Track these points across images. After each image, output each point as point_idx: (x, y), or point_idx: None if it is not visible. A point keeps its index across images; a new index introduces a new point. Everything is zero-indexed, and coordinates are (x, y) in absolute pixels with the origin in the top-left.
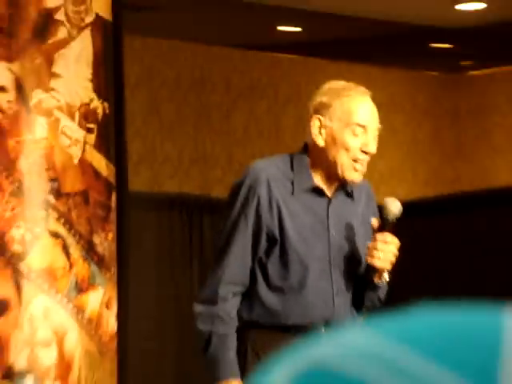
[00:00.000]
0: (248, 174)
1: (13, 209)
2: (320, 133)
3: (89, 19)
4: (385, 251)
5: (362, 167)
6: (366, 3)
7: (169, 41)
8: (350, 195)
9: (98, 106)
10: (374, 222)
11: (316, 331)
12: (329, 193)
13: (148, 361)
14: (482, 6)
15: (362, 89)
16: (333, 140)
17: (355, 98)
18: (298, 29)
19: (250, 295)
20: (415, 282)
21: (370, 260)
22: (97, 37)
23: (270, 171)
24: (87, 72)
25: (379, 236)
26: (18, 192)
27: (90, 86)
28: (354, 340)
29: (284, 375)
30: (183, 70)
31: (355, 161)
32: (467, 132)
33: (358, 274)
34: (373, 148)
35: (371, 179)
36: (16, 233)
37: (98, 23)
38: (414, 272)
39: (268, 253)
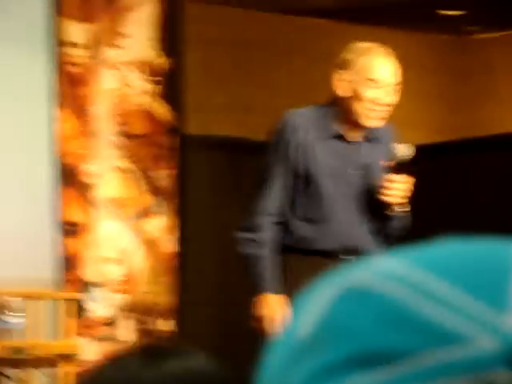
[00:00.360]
0: (282, 123)
1: (87, 147)
2: (343, 86)
3: None
4: (394, 188)
5: (378, 115)
6: None
7: (221, 6)
8: (374, 140)
9: (161, 61)
10: (385, 162)
11: (341, 256)
12: (353, 138)
13: (202, 276)
14: None
15: (383, 48)
16: (353, 92)
17: (374, 56)
18: None
19: (286, 224)
20: (427, 217)
21: (381, 196)
22: (161, 2)
23: (301, 120)
24: (152, 32)
25: (388, 176)
26: (92, 133)
27: (155, 44)
28: (385, 266)
29: (323, 298)
30: (233, 31)
31: (369, 110)
32: (471, 87)
33: (378, 207)
34: (388, 100)
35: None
36: (90, 168)
37: None
38: (426, 208)
39: (300, 189)
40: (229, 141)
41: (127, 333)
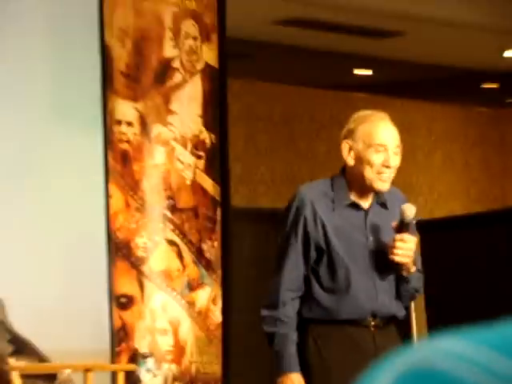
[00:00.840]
0: (295, 198)
1: (137, 221)
2: (349, 154)
3: (199, 66)
4: (403, 248)
5: (386, 178)
6: (426, 50)
7: (263, 83)
8: (384, 206)
9: (206, 136)
10: (393, 224)
11: (370, 323)
12: (365, 206)
13: (248, 347)
14: None
15: (381, 114)
16: (359, 159)
17: (375, 123)
18: (370, 72)
19: (307, 297)
20: (467, 285)
21: (391, 256)
22: (205, 80)
23: (312, 193)
24: (198, 109)
25: (398, 236)
26: (141, 208)
27: (199, 120)
28: (445, 345)
29: (385, 379)
30: (275, 106)
31: (379, 174)
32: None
33: (395, 270)
34: (393, 162)
35: (431, 197)
36: (139, 241)
37: (207, 70)
38: (473, 274)
39: (318, 261)
40: (272, 212)
41: None
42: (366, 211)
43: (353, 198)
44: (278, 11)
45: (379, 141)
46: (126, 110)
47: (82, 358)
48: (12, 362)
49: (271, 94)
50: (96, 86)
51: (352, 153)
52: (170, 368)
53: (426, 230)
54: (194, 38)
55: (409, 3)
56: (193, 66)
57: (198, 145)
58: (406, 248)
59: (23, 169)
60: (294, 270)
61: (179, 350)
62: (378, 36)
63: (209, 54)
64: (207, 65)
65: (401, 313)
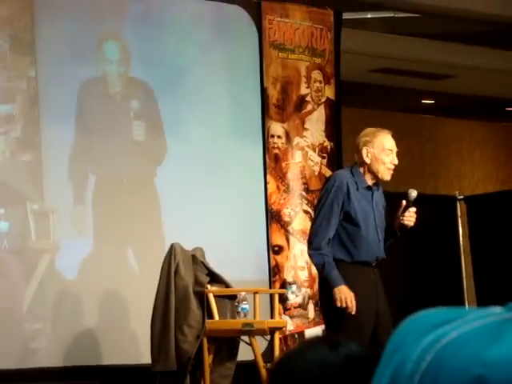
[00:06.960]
0: (335, 179)
1: (284, 198)
2: (367, 156)
3: (323, 99)
4: (412, 217)
5: (391, 172)
6: (471, 87)
7: (364, 110)
8: (377, 189)
9: (328, 144)
10: (403, 202)
11: (373, 264)
12: (372, 187)
13: None
14: None
15: (386, 130)
16: (375, 159)
17: (384, 135)
18: (433, 101)
19: (339, 245)
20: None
21: (403, 222)
22: (327, 108)
23: (346, 177)
24: (322, 127)
25: (410, 209)
26: (286, 190)
27: (323, 134)
28: None
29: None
30: (371, 124)
31: (389, 169)
32: None
33: (388, 229)
34: (396, 161)
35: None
36: (286, 211)
37: (328, 102)
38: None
39: (345, 222)
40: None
41: (311, 312)
42: (372, 192)
43: (368, 183)
44: (373, 64)
45: (389, 147)
46: (276, 128)
47: (251, 285)
48: (208, 287)
49: (369, 117)
50: (258, 112)
51: (369, 155)
52: (306, 291)
53: (472, 203)
54: (320, 82)
55: (457, 55)
56: (319, 99)
57: (322, 149)
58: (413, 217)
59: (210, 166)
60: (332, 228)
61: (312, 280)
62: (436, 78)
63: (329, 92)
64: (328, 99)
65: (384, 255)
